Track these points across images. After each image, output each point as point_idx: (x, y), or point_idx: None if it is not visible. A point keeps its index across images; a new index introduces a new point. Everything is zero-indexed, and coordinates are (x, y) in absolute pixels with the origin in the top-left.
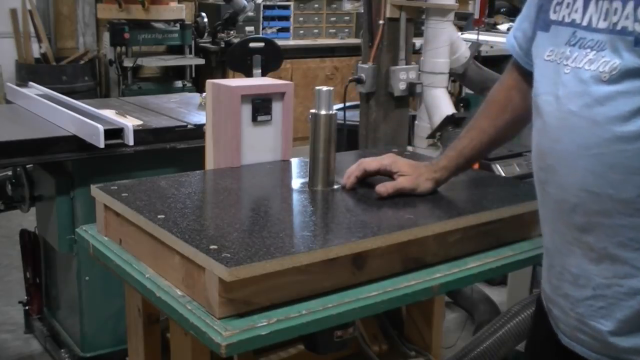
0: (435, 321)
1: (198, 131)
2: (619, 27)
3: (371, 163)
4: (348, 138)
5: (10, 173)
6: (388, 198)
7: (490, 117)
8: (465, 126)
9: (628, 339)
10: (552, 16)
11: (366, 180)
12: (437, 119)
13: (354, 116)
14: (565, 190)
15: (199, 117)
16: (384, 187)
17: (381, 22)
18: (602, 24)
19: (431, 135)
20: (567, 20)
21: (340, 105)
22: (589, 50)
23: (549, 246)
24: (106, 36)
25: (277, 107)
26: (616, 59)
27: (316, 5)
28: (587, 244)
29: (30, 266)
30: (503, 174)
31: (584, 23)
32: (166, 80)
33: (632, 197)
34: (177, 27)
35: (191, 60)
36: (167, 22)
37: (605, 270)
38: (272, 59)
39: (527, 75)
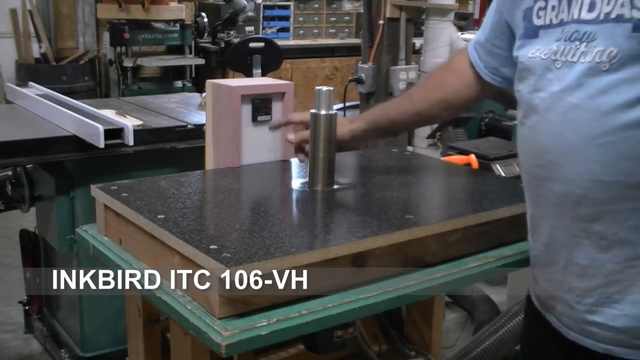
0: (435, 321)
1: (198, 131)
2: (613, 16)
3: (296, 115)
4: None
5: (10, 173)
6: (279, 127)
7: (422, 90)
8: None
9: None
10: (537, 22)
11: (366, 181)
12: None
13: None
14: (571, 183)
15: (199, 117)
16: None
17: (381, 22)
18: (589, 15)
19: (431, 135)
20: (554, 22)
21: (340, 105)
22: (577, 42)
23: (549, 243)
24: (106, 36)
25: (277, 107)
26: (611, 47)
27: (316, 5)
28: (597, 233)
29: (30, 266)
30: (503, 174)
31: (570, 18)
32: (166, 80)
33: None
34: (177, 27)
35: (191, 60)
36: (167, 22)
37: (616, 256)
38: (272, 59)
39: (476, 73)
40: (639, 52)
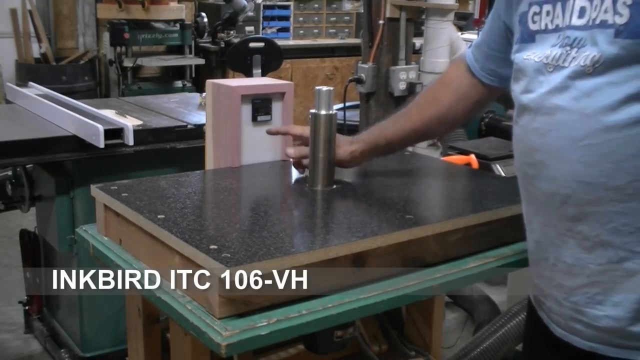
0: (435, 321)
1: (198, 131)
2: (597, 21)
3: (296, 128)
4: None
5: (10, 173)
6: (277, 134)
7: (417, 107)
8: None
9: (625, 323)
10: (533, 26)
11: (366, 181)
12: None
13: (354, 116)
14: (557, 182)
15: (199, 117)
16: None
17: (381, 22)
18: (579, 21)
19: None
20: (550, 27)
21: (340, 105)
22: (568, 47)
23: (540, 240)
24: (106, 36)
25: (277, 107)
26: (596, 51)
27: (316, 5)
28: (581, 233)
29: (30, 266)
30: (503, 174)
31: (564, 24)
32: (166, 80)
33: (623, 183)
34: (177, 27)
35: (191, 60)
36: (167, 22)
37: (599, 257)
38: (272, 59)
39: (474, 78)
40: (621, 56)
